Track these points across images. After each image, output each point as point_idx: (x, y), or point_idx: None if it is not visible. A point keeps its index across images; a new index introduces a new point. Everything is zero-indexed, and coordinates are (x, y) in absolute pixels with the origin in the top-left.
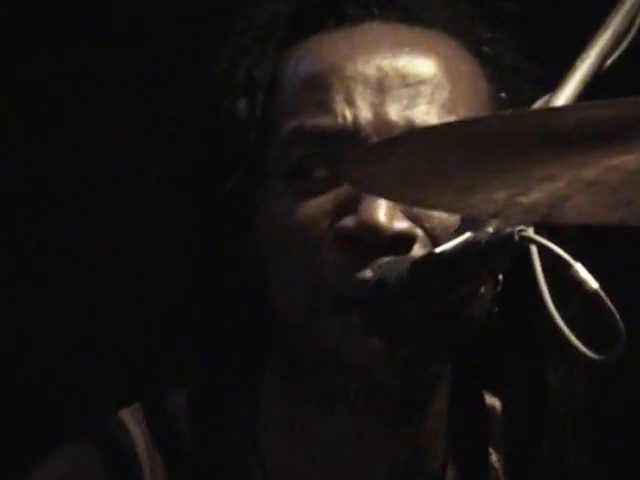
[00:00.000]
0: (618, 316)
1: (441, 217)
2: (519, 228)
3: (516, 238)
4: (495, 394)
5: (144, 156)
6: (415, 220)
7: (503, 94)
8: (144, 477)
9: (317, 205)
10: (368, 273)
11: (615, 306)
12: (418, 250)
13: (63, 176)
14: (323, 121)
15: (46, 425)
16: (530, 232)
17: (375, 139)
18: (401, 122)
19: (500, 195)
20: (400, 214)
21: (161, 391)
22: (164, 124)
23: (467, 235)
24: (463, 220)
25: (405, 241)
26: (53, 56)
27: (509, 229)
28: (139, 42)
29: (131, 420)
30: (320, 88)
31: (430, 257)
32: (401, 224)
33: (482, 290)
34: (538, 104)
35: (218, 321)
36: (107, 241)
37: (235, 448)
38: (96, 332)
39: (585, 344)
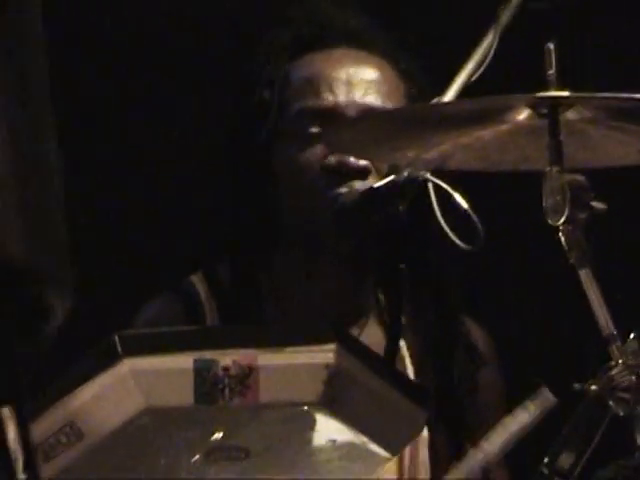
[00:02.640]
0: (479, 224)
1: (380, 164)
2: (422, 173)
3: (420, 179)
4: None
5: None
6: (370, 162)
7: (414, 93)
8: (206, 314)
9: (311, 153)
10: (343, 189)
11: None
12: (371, 180)
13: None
14: (317, 102)
15: (143, 283)
16: (429, 175)
17: (347, 114)
18: (361, 103)
19: (412, 153)
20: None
21: (214, 264)
22: (219, 109)
23: (392, 177)
24: (390, 167)
25: (365, 172)
26: None
27: (416, 173)
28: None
29: (197, 281)
30: (313, 84)
31: (371, 189)
32: (362, 162)
33: (400, 208)
34: (434, 100)
35: (248, 223)
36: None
37: (258, 294)
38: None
39: (459, 239)
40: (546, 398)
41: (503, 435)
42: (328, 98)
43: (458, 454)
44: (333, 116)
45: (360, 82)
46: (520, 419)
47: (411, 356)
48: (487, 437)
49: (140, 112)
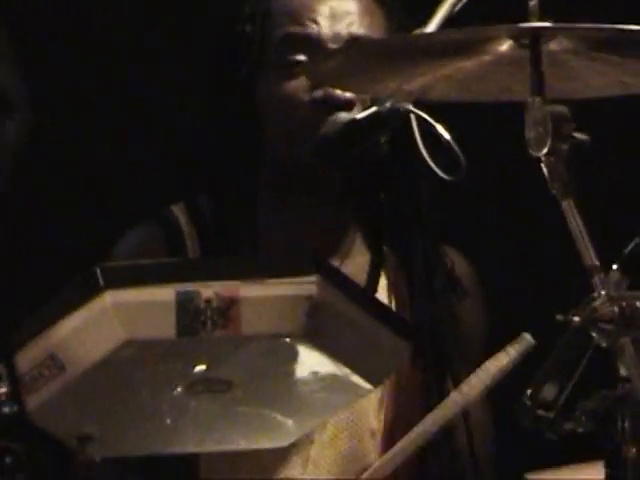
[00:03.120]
0: (461, 155)
1: (364, 97)
2: (404, 104)
3: (402, 110)
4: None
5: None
6: (355, 95)
7: (395, 26)
8: (187, 244)
9: (295, 84)
10: (327, 122)
11: None
12: (356, 111)
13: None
14: (300, 29)
15: (125, 215)
16: (410, 106)
17: (330, 44)
18: (344, 35)
19: (393, 84)
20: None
21: (194, 195)
22: (203, 42)
23: (374, 108)
24: (372, 99)
25: (350, 104)
26: None
27: (398, 104)
28: None
29: (178, 211)
30: (295, 14)
31: (354, 120)
32: (348, 94)
33: (382, 140)
34: (417, 31)
35: (231, 155)
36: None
37: (239, 226)
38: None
39: (441, 170)
40: (527, 342)
41: (484, 378)
42: (311, 26)
43: (439, 390)
44: (316, 46)
45: (343, 14)
46: (500, 363)
47: (392, 288)
48: (468, 380)
49: (125, 44)
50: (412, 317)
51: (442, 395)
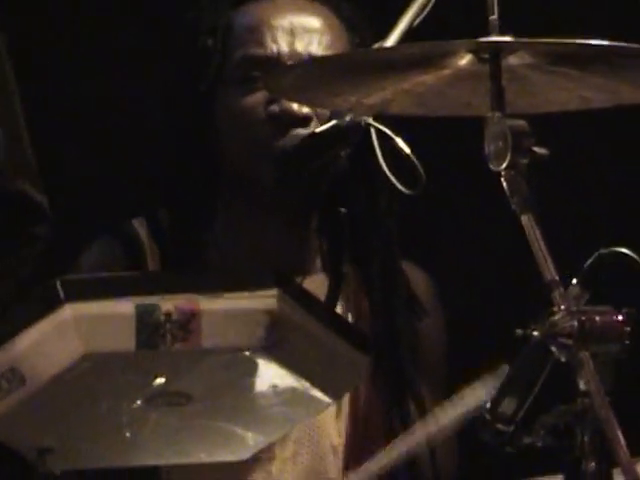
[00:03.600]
0: (420, 168)
1: (323, 110)
2: (364, 118)
3: (362, 123)
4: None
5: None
6: (312, 110)
7: (357, 40)
8: (147, 258)
9: (254, 98)
10: (284, 137)
11: None
12: (313, 126)
13: None
14: (259, 51)
15: (85, 229)
16: (370, 120)
17: (289, 63)
18: (304, 53)
19: (353, 98)
20: (304, 106)
21: (154, 210)
22: (161, 56)
23: (334, 121)
24: (332, 112)
25: (307, 120)
26: None
27: (358, 118)
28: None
29: (138, 225)
30: (256, 32)
31: (313, 134)
32: (305, 109)
33: (342, 154)
34: (376, 45)
35: (192, 169)
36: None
37: (199, 241)
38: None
39: (402, 183)
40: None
41: (459, 409)
42: (271, 47)
43: (399, 407)
44: (275, 65)
45: (303, 31)
46: (478, 394)
47: (353, 304)
48: (442, 408)
49: (90, 60)
50: (371, 333)
51: (402, 411)
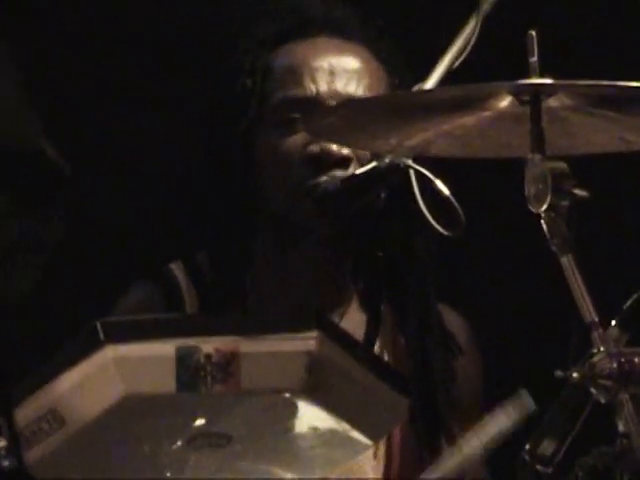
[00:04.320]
0: (460, 211)
1: (363, 151)
2: (404, 159)
3: (402, 165)
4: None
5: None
6: (352, 151)
7: (396, 81)
8: (185, 302)
9: (293, 140)
10: (324, 178)
11: None
12: (353, 168)
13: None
14: (299, 92)
15: (123, 272)
16: (410, 162)
17: (329, 102)
18: (343, 93)
19: (393, 140)
20: (344, 147)
21: (193, 252)
22: (202, 99)
23: (374, 163)
24: (372, 154)
25: (346, 161)
26: None
27: (398, 160)
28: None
29: (176, 268)
30: (295, 73)
31: (353, 176)
32: (345, 150)
33: (382, 195)
34: (416, 87)
35: (229, 212)
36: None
37: (238, 282)
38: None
39: (441, 226)
40: (525, 402)
41: (482, 437)
42: (310, 87)
43: (432, 446)
44: (315, 106)
45: (342, 72)
46: (499, 422)
47: (390, 345)
48: (465, 438)
49: (124, 101)
50: (407, 373)
51: (436, 453)
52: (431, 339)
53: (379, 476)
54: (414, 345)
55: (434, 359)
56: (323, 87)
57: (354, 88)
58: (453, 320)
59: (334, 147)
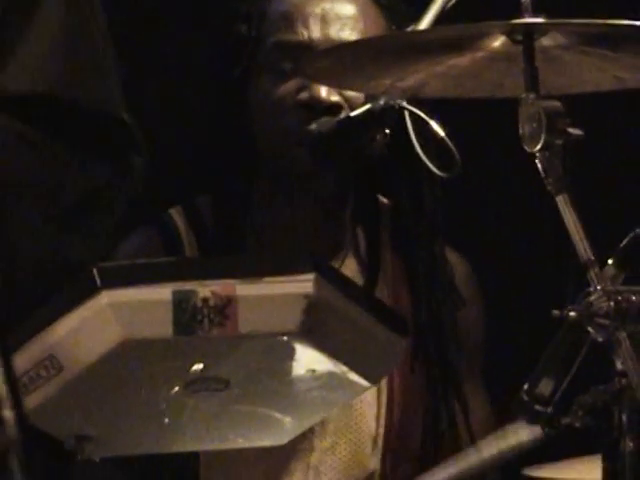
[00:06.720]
0: (456, 151)
1: (356, 94)
2: (398, 101)
3: (396, 107)
4: (386, 198)
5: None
6: (342, 96)
7: (393, 27)
8: (185, 248)
9: (285, 87)
10: (314, 125)
11: None
12: (344, 114)
13: None
14: (291, 37)
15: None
16: (404, 103)
17: (321, 49)
18: (336, 39)
19: (387, 82)
20: (334, 92)
21: (192, 198)
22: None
23: (368, 105)
24: (366, 96)
25: (336, 107)
26: None
27: (392, 101)
28: None
29: (175, 213)
30: (288, 19)
31: (348, 118)
32: (335, 97)
33: (377, 138)
34: (409, 28)
35: (228, 155)
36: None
37: (237, 229)
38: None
39: (437, 167)
40: None
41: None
42: (302, 33)
43: (443, 394)
44: (307, 51)
45: (335, 17)
46: (520, 433)
47: (392, 290)
48: (485, 442)
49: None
50: (414, 322)
51: (445, 401)
52: (440, 289)
53: (382, 426)
54: (422, 294)
55: (442, 308)
56: (315, 33)
57: (348, 34)
58: (457, 264)
59: (323, 94)
